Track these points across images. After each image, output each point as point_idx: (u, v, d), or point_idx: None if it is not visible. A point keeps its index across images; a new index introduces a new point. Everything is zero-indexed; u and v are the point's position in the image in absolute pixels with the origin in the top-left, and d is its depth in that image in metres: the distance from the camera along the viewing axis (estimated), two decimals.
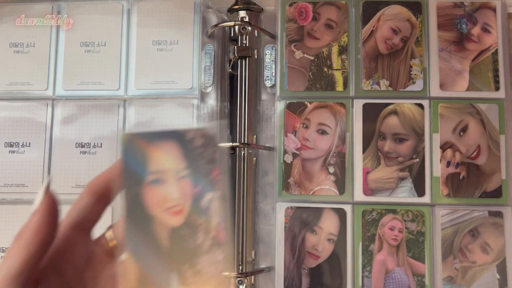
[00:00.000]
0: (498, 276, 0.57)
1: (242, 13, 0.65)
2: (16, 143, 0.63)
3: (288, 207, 0.59)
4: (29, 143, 0.63)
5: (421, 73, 0.61)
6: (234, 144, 0.60)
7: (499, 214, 0.58)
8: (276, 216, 0.59)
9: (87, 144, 0.62)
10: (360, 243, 0.58)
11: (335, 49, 0.62)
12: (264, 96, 0.64)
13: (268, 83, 0.63)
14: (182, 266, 0.31)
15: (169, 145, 0.32)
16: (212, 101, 0.63)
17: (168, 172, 0.31)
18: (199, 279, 0.31)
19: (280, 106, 0.61)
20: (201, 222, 0.31)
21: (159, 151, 0.32)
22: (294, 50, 0.62)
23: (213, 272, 0.31)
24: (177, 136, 0.32)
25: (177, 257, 0.31)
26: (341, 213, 0.59)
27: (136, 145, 0.32)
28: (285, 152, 0.60)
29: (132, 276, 0.30)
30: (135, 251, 0.30)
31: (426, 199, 0.59)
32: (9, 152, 0.62)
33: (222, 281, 0.31)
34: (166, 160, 0.32)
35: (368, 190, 0.59)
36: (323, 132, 0.60)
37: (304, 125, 0.60)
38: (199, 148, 0.32)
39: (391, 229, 0.58)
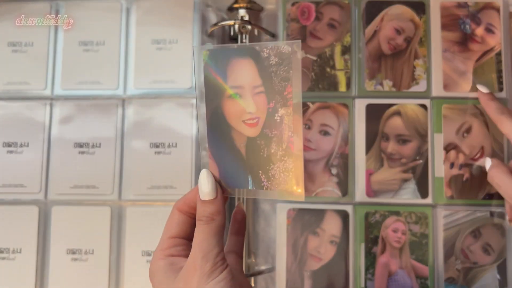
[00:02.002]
0: (498, 277, 0.57)
1: (242, 12, 0.64)
2: (14, 143, 0.62)
3: (290, 209, 0.59)
4: (28, 143, 0.62)
5: (425, 73, 0.60)
6: None
7: (501, 215, 0.58)
8: (278, 217, 0.59)
9: (86, 144, 0.61)
10: (363, 245, 0.58)
11: (337, 49, 0.61)
12: None
13: None
14: (257, 170, 0.35)
15: (247, 62, 0.34)
16: None
17: (245, 88, 0.34)
18: (271, 183, 0.35)
19: None
20: (274, 134, 0.34)
21: (238, 68, 0.34)
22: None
23: (284, 178, 0.35)
24: (253, 53, 0.34)
25: (252, 163, 0.35)
26: (343, 215, 0.58)
27: (217, 61, 0.34)
28: None
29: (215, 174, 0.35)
30: (217, 155, 0.35)
31: (429, 200, 0.58)
32: (7, 152, 0.62)
33: (291, 186, 0.35)
34: (243, 76, 0.34)
35: (371, 191, 0.59)
36: (325, 133, 0.60)
37: (307, 126, 0.60)
38: (274, 66, 0.34)
39: (394, 231, 0.58)
